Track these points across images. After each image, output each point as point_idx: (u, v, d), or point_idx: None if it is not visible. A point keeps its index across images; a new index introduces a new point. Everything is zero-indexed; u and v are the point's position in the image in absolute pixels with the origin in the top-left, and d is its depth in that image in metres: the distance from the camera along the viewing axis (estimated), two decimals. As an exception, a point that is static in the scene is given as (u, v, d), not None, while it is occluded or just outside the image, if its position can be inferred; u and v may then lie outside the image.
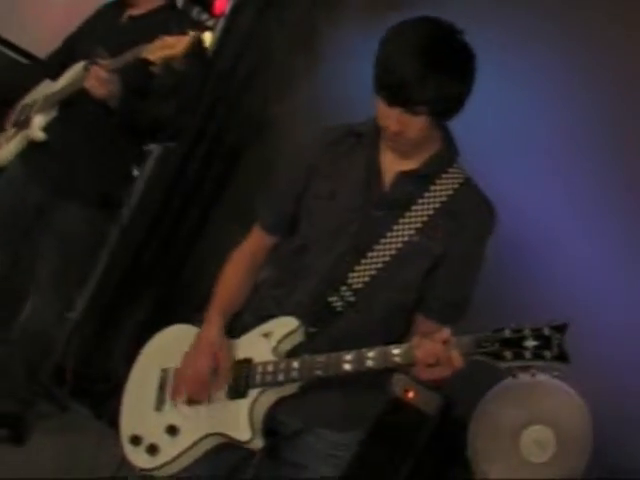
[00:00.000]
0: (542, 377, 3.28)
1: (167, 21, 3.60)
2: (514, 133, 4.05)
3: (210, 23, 4.81)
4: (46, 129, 3.72)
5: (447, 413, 3.74)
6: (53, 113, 3.73)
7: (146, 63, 3.34)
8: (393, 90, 2.23)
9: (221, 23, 4.78)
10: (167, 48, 3.28)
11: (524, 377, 2.09)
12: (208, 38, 4.69)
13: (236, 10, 4.82)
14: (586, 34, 3.95)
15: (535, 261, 3.88)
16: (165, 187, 5.02)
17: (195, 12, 4.84)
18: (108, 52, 3.51)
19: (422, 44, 2.22)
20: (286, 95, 4.82)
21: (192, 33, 3.32)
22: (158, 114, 3.67)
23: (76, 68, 3.68)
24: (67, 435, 4.11)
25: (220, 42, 4.80)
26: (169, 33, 3.32)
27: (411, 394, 3.71)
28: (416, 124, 2.27)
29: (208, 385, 2.42)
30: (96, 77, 3.43)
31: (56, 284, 3.84)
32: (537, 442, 3.38)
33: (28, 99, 3.88)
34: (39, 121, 3.72)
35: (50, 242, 3.80)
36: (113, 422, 2.68)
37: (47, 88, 3.81)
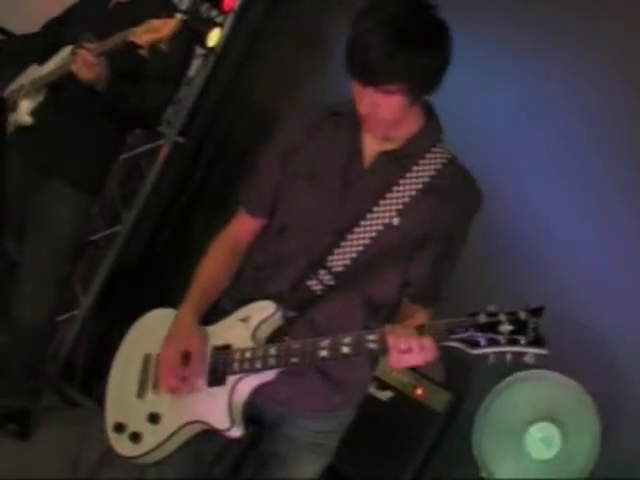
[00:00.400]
0: (546, 373, 3.33)
1: (154, 7, 3.59)
2: (513, 126, 4.03)
3: (219, 19, 4.82)
4: (33, 113, 3.71)
5: (456, 410, 3.74)
6: (40, 98, 3.72)
7: (134, 46, 3.31)
8: (362, 69, 2.15)
9: (230, 19, 4.77)
10: (153, 31, 3.26)
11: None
12: (217, 34, 4.70)
13: (245, 7, 4.81)
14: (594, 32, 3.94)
15: (536, 248, 3.85)
16: (174, 183, 5.03)
17: (204, 8, 4.85)
18: (96, 38, 3.49)
19: (390, 21, 2.12)
20: (294, 92, 4.81)
21: (178, 16, 3.31)
22: (147, 99, 3.68)
23: (63, 52, 3.67)
24: (74, 429, 4.11)
25: (229, 38, 4.79)
26: (157, 17, 3.32)
27: (420, 391, 3.70)
28: (390, 104, 2.19)
29: (177, 374, 2.36)
30: (83, 60, 3.40)
31: (41, 268, 3.81)
32: (542, 439, 3.36)
33: (15, 85, 3.84)
34: (26, 106, 3.71)
35: (34, 225, 3.79)
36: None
37: (34, 73, 3.79)
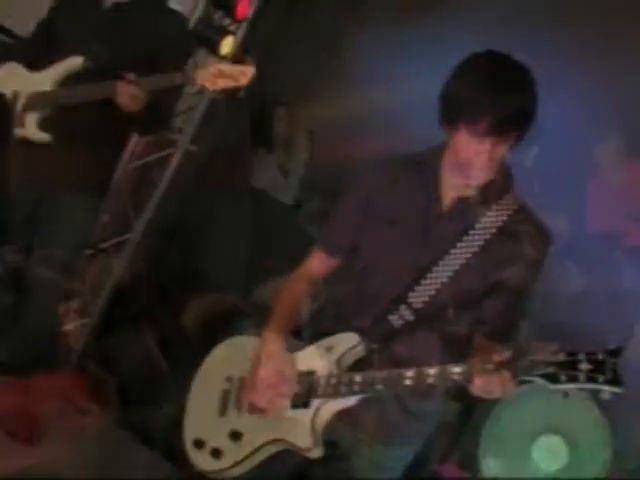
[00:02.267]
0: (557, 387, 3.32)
1: (153, 9, 3.69)
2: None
3: (232, 28, 4.82)
4: (41, 126, 3.69)
5: (466, 420, 3.72)
6: (47, 110, 3.70)
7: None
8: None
9: (243, 28, 4.77)
10: (228, 78, 3.32)
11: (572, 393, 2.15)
12: (230, 43, 4.70)
13: (258, 15, 4.81)
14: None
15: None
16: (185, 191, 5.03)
17: (217, 17, 4.86)
18: (102, 44, 3.54)
19: (503, 76, 2.31)
20: (309, 98, 4.82)
21: (251, 65, 3.33)
22: (161, 110, 3.72)
23: (69, 65, 3.66)
24: (82, 435, 4.11)
25: (242, 47, 4.79)
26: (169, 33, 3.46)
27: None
28: (502, 151, 2.37)
29: (274, 392, 2.52)
30: (129, 94, 3.45)
31: (52, 272, 3.80)
32: (549, 450, 3.38)
33: (4, 88, 3.76)
34: (33, 120, 3.69)
35: (43, 230, 3.79)
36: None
37: (25, 81, 3.74)
